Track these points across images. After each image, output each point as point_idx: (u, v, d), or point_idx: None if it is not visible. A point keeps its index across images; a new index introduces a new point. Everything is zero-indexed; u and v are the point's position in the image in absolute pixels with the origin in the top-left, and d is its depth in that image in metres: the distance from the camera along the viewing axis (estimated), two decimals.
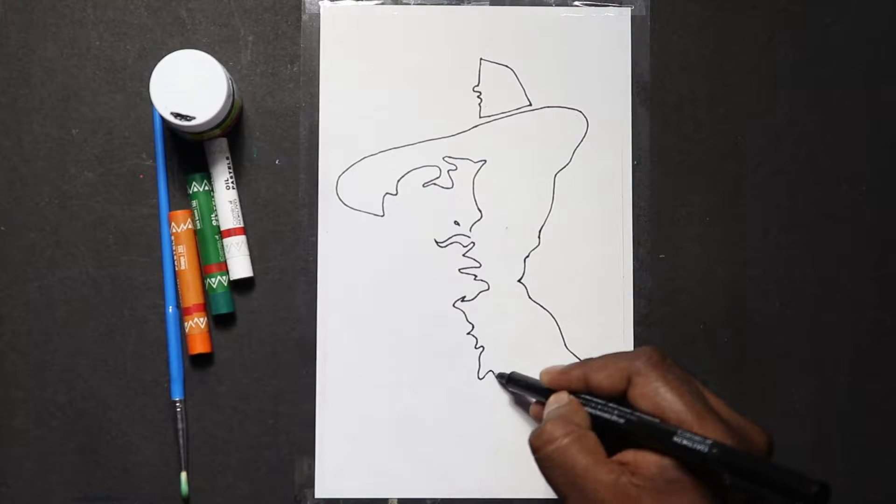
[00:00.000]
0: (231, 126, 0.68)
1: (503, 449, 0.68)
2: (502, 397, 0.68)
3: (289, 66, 0.70)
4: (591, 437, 0.56)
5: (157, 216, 0.69)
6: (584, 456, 0.55)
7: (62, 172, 0.69)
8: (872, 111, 0.71)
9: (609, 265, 0.69)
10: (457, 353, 0.69)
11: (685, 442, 0.52)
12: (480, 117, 0.70)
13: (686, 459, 0.52)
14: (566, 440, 0.56)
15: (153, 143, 0.69)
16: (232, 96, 0.66)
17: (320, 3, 0.70)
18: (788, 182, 0.70)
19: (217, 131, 0.67)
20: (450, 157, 0.70)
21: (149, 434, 0.68)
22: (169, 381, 0.68)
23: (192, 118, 0.64)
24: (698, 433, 0.52)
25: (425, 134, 0.70)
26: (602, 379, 0.58)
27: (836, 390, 0.69)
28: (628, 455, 0.55)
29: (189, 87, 0.65)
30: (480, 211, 0.69)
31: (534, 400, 0.65)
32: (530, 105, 0.70)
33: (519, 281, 0.69)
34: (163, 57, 0.65)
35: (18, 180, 0.69)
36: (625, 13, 0.70)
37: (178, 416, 0.67)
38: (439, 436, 0.68)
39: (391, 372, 0.68)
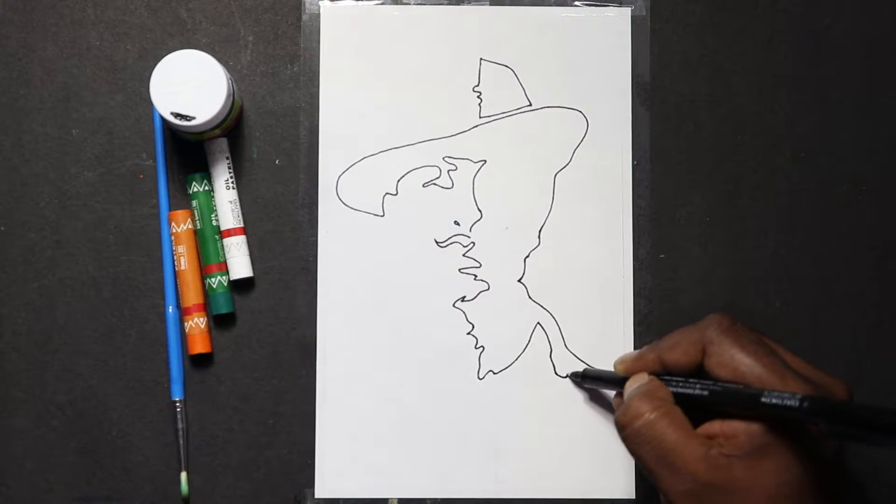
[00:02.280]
0: (231, 126, 0.68)
1: (503, 449, 0.68)
2: (502, 397, 0.68)
3: (289, 66, 0.70)
4: (678, 412, 0.56)
5: (157, 216, 0.69)
6: (673, 430, 0.55)
7: (62, 172, 0.69)
8: (872, 111, 0.71)
9: (609, 265, 0.69)
10: (457, 353, 0.69)
11: (774, 400, 0.52)
12: (480, 117, 0.70)
13: (776, 418, 0.53)
14: (653, 415, 0.56)
15: (153, 143, 0.69)
16: (232, 96, 0.66)
17: (320, 3, 0.70)
18: (788, 182, 0.70)
19: (217, 131, 0.67)
20: (450, 157, 0.70)
21: (149, 434, 0.68)
22: (169, 381, 0.68)
23: (192, 118, 0.64)
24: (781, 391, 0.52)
25: (425, 134, 0.70)
26: (678, 357, 0.59)
27: None
28: (715, 426, 0.55)
29: (189, 87, 0.64)
30: (480, 211, 0.69)
31: (614, 393, 0.65)
32: (530, 105, 0.70)
33: (519, 281, 0.69)
34: (163, 57, 0.65)
35: (18, 180, 0.69)
36: (625, 13, 0.70)
37: (178, 416, 0.67)
38: (439, 436, 0.68)
39: (391, 372, 0.68)
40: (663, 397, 0.57)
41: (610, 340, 0.69)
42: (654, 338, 0.69)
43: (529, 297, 0.69)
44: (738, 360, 0.56)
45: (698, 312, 0.69)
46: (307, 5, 0.70)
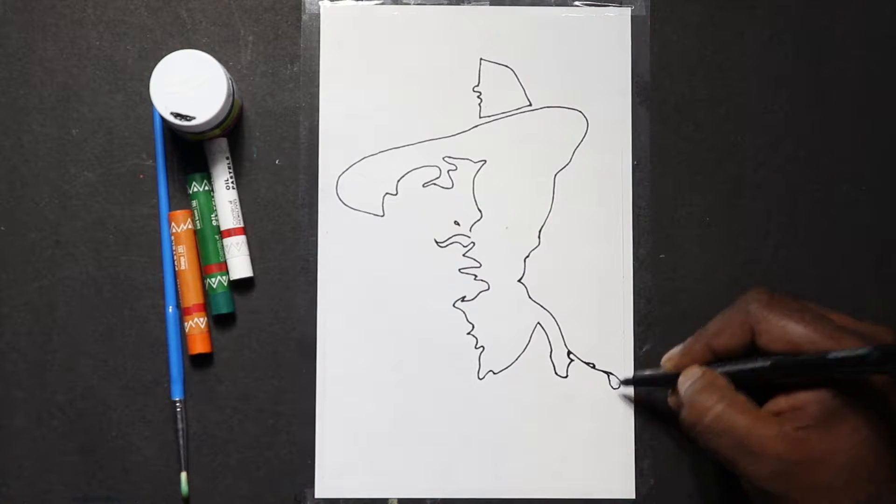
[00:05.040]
0: (231, 126, 0.68)
1: (503, 449, 0.68)
2: (502, 397, 0.68)
3: (289, 66, 0.70)
4: (742, 397, 0.56)
5: (157, 216, 0.69)
6: (743, 416, 0.55)
7: (62, 172, 0.69)
8: (872, 111, 0.71)
9: (609, 265, 0.69)
10: (457, 353, 0.69)
11: (843, 354, 0.51)
12: (480, 117, 0.70)
13: (844, 376, 0.52)
14: (720, 406, 0.56)
15: (153, 143, 0.69)
16: (232, 96, 0.66)
17: (320, 3, 0.70)
18: (788, 182, 0.70)
19: (217, 131, 0.67)
20: (450, 157, 0.70)
21: (149, 434, 0.68)
22: (169, 381, 0.68)
23: (192, 118, 0.64)
24: None
25: (425, 134, 0.70)
26: (726, 341, 0.58)
27: None
28: (780, 402, 0.55)
29: (189, 87, 0.65)
30: (480, 211, 0.69)
31: (669, 392, 0.64)
32: (530, 105, 0.70)
33: (519, 281, 0.69)
34: (163, 57, 0.65)
35: (18, 180, 0.69)
36: (625, 13, 0.70)
37: (178, 416, 0.67)
38: (439, 436, 0.68)
39: (391, 372, 0.68)
40: (723, 386, 0.57)
41: (610, 340, 0.69)
42: (654, 338, 0.69)
43: (529, 297, 0.69)
44: (790, 331, 0.55)
45: (698, 312, 0.69)
46: (307, 5, 0.70)
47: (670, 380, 0.62)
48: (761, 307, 0.57)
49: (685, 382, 0.60)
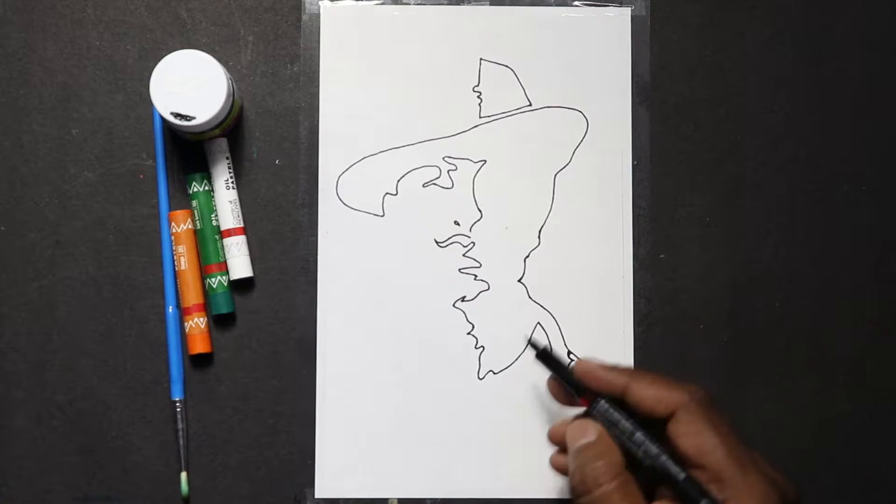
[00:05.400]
0: (231, 126, 0.68)
1: (503, 449, 0.68)
2: (502, 397, 0.68)
3: (289, 66, 0.70)
4: (633, 483, 0.55)
5: (157, 216, 0.69)
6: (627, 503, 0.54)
7: (62, 172, 0.69)
8: (872, 111, 0.71)
9: (609, 265, 0.69)
10: (457, 353, 0.69)
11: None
12: (480, 117, 0.70)
13: None
14: (611, 486, 0.55)
15: (153, 143, 0.69)
16: (232, 96, 0.66)
17: (320, 3, 0.70)
18: (788, 182, 0.70)
19: (217, 131, 0.67)
20: (450, 157, 0.70)
21: (149, 434, 0.68)
22: (169, 381, 0.68)
23: (192, 118, 0.64)
24: (740, 484, 0.52)
25: (425, 134, 0.70)
26: (647, 397, 0.56)
27: (836, 390, 0.69)
28: None
29: (189, 87, 0.64)
30: (480, 211, 0.69)
31: (559, 383, 0.61)
32: (530, 105, 0.70)
33: (519, 281, 0.69)
34: (163, 57, 0.65)
35: (18, 180, 0.69)
36: (625, 13, 0.70)
37: (178, 416, 0.67)
38: (439, 436, 0.68)
39: (391, 372, 0.68)
40: (617, 462, 0.56)
41: (610, 340, 0.69)
42: (654, 338, 0.69)
43: (529, 297, 0.69)
44: (704, 437, 0.54)
45: (698, 312, 0.69)
46: (307, 5, 0.70)
47: (569, 381, 0.59)
48: (695, 401, 0.55)
49: (577, 439, 0.57)
